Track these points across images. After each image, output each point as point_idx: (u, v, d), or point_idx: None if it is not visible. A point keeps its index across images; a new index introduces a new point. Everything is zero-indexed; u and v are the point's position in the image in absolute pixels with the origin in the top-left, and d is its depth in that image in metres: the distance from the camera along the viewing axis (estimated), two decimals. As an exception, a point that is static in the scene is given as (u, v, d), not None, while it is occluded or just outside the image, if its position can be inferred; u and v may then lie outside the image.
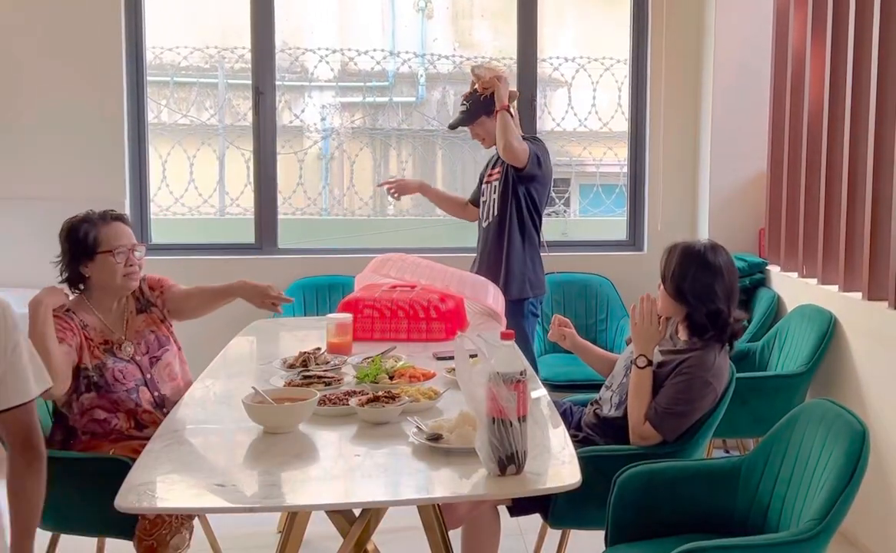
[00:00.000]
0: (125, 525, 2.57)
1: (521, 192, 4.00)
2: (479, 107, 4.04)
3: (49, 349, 2.68)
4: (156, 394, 2.94)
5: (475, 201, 4.31)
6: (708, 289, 2.76)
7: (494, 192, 4.06)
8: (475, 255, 4.24)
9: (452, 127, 4.19)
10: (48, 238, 4.51)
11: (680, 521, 2.51)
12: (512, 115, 3.98)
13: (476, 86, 4.07)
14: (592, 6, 5.80)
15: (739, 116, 4.88)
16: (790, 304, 4.27)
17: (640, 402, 2.76)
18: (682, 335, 2.87)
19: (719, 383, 2.77)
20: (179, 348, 3.14)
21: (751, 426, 3.75)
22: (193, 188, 5.18)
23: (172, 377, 3.03)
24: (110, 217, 2.99)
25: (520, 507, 2.78)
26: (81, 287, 2.96)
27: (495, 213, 4.04)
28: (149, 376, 2.94)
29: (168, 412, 2.79)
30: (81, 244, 2.90)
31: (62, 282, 2.96)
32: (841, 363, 3.82)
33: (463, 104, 4.11)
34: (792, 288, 4.34)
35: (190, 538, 2.63)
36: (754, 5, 4.81)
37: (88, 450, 2.80)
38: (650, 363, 2.77)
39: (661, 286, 2.86)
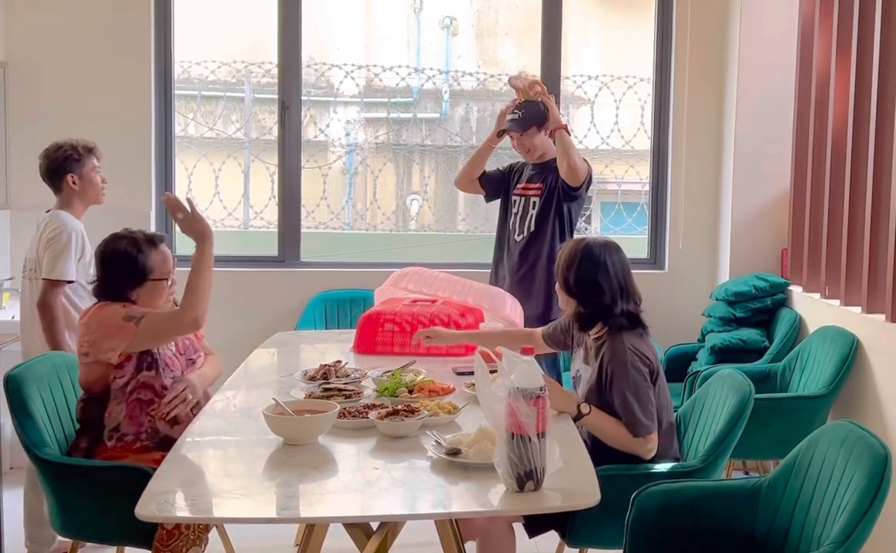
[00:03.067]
0: (145, 534, 2.59)
1: (564, 210, 3.98)
2: (532, 117, 3.99)
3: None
4: None
5: (485, 176, 4.21)
6: (592, 282, 2.82)
7: (533, 208, 4.02)
8: (493, 268, 4.19)
9: (501, 134, 4.11)
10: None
11: (699, 541, 2.49)
12: (569, 133, 3.97)
13: (519, 97, 4.03)
14: (616, 24, 5.81)
15: (763, 136, 4.86)
16: (812, 326, 4.24)
17: (613, 434, 2.74)
18: (592, 333, 2.89)
19: (645, 356, 2.77)
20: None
21: (771, 448, 3.72)
22: (218, 201, 5.23)
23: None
24: (157, 241, 3.00)
25: (536, 524, 2.77)
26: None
27: (532, 228, 4.00)
28: (186, 374, 2.97)
29: (196, 414, 2.84)
30: (132, 270, 2.90)
31: (99, 294, 2.94)
32: (863, 385, 3.78)
33: (514, 112, 4.02)
34: (814, 309, 4.31)
35: (204, 551, 2.65)
36: (779, 24, 4.80)
37: (112, 459, 2.82)
38: (584, 409, 2.75)
39: (557, 283, 2.94)
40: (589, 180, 3.94)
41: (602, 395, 2.78)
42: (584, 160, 3.95)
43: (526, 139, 4.02)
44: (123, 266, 2.89)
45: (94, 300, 2.96)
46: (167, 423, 2.87)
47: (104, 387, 2.85)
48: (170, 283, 3.00)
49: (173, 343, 2.98)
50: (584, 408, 2.74)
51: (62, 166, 3.58)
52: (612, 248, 2.90)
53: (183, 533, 2.55)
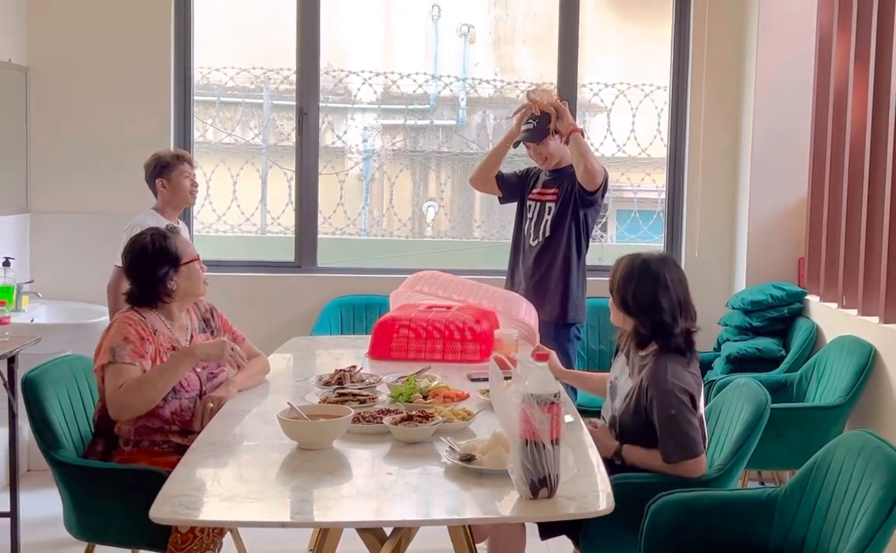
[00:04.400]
0: (159, 537, 2.60)
1: (580, 215, 3.97)
2: (547, 126, 3.97)
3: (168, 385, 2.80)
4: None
5: (501, 177, 4.21)
6: (651, 299, 2.74)
7: (548, 213, 4.01)
8: (509, 272, 4.18)
9: (517, 144, 4.10)
10: (96, 251, 4.66)
11: (713, 551, 2.49)
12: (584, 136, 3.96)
13: (533, 109, 4.03)
14: (633, 32, 5.81)
15: (780, 144, 4.84)
16: (829, 335, 4.22)
17: (650, 464, 2.72)
18: (641, 350, 2.84)
19: (685, 387, 2.69)
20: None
21: (787, 458, 3.70)
22: (236, 206, 5.27)
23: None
24: (173, 230, 3.06)
25: (549, 528, 2.76)
26: (157, 303, 2.97)
27: (547, 233, 3.99)
28: (204, 390, 2.97)
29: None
30: (168, 257, 2.93)
31: (134, 301, 2.96)
32: (881, 396, 3.76)
33: (529, 122, 4.02)
34: (831, 318, 4.28)
35: None
36: (797, 32, 4.79)
37: (128, 462, 2.83)
38: (621, 453, 2.75)
39: (611, 298, 2.86)
40: (605, 185, 3.94)
41: (638, 412, 2.74)
42: (601, 164, 3.95)
43: (542, 148, 4.01)
44: (158, 257, 2.92)
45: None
46: (181, 436, 2.88)
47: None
48: (201, 265, 3.04)
49: None
50: (619, 458, 2.71)
51: (153, 172, 4.05)
52: (669, 263, 2.82)
53: (197, 537, 2.56)
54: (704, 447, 2.74)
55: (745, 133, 4.96)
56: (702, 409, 2.79)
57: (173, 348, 2.93)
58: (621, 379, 2.89)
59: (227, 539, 2.99)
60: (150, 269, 2.92)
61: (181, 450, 2.75)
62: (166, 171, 4.03)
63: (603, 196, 3.97)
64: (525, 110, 4.06)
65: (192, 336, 3.04)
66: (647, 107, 5.35)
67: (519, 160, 4.68)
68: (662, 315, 2.72)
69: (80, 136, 4.82)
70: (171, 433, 2.88)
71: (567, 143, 3.97)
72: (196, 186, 4.16)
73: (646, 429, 2.73)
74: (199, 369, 2.97)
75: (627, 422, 2.79)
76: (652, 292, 2.74)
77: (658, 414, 2.68)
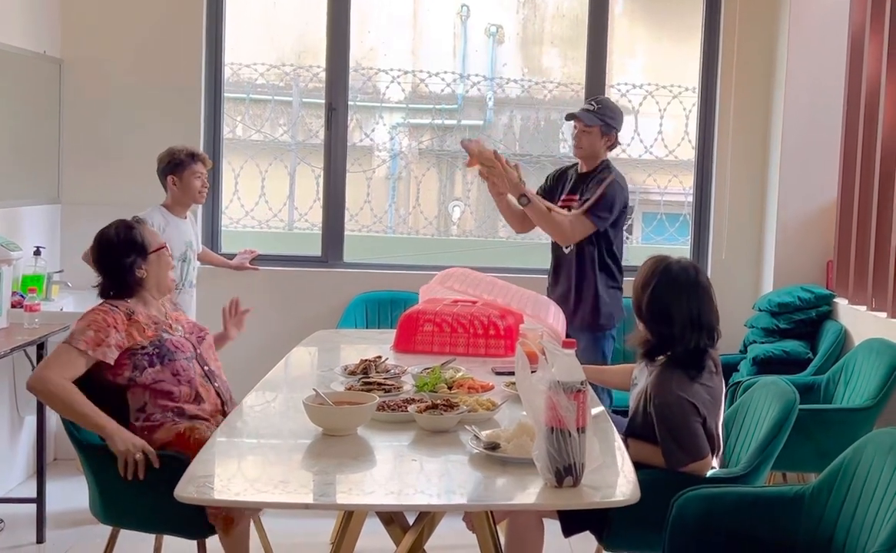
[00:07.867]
0: (183, 522, 2.66)
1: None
2: (599, 120, 3.87)
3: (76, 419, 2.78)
4: (206, 368, 3.03)
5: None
6: (663, 309, 2.69)
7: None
8: (548, 277, 4.14)
9: (568, 117, 3.97)
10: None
11: (739, 547, 2.47)
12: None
13: (468, 163, 3.86)
14: (662, 33, 5.79)
15: (810, 145, 4.80)
16: (857, 338, 4.17)
17: (653, 461, 2.69)
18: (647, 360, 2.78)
19: (694, 395, 2.64)
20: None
21: (814, 460, 3.65)
22: (264, 202, 5.30)
23: (214, 358, 3.13)
24: (140, 220, 3.12)
25: (572, 523, 2.74)
26: (129, 297, 3.00)
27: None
28: (198, 352, 3.04)
29: (217, 386, 2.97)
30: (134, 246, 2.97)
31: (107, 295, 3.00)
32: (911, 400, 3.71)
33: (591, 104, 3.91)
34: (860, 321, 4.24)
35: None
36: (828, 33, 4.74)
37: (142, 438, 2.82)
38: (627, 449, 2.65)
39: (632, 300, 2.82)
40: (610, 208, 3.80)
41: (646, 416, 2.73)
42: (608, 170, 3.86)
43: (584, 137, 3.88)
44: (125, 246, 2.96)
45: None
46: (193, 403, 2.91)
47: (101, 382, 2.87)
48: (169, 253, 3.10)
49: (181, 326, 3.06)
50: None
51: (165, 169, 4.11)
52: (690, 272, 2.74)
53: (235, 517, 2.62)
54: (714, 452, 2.71)
55: (775, 135, 4.92)
56: (719, 419, 2.75)
57: (156, 323, 2.97)
58: (640, 377, 2.88)
59: (251, 529, 3.00)
60: (118, 258, 2.96)
61: (196, 422, 2.79)
62: (179, 169, 4.08)
63: (616, 223, 3.86)
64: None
65: (167, 315, 3.08)
66: (675, 108, 5.32)
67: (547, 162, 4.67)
68: (671, 327, 2.68)
69: (111, 129, 4.86)
70: (183, 400, 2.91)
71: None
72: (206, 187, 4.18)
73: (653, 430, 2.70)
74: (187, 336, 3.04)
75: (637, 421, 2.78)
76: (665, 300, 2.70)
77: (659, 424, 2.65)
